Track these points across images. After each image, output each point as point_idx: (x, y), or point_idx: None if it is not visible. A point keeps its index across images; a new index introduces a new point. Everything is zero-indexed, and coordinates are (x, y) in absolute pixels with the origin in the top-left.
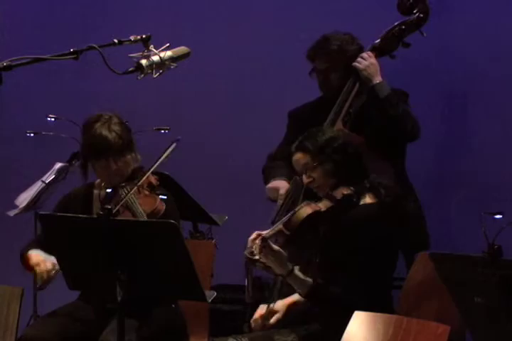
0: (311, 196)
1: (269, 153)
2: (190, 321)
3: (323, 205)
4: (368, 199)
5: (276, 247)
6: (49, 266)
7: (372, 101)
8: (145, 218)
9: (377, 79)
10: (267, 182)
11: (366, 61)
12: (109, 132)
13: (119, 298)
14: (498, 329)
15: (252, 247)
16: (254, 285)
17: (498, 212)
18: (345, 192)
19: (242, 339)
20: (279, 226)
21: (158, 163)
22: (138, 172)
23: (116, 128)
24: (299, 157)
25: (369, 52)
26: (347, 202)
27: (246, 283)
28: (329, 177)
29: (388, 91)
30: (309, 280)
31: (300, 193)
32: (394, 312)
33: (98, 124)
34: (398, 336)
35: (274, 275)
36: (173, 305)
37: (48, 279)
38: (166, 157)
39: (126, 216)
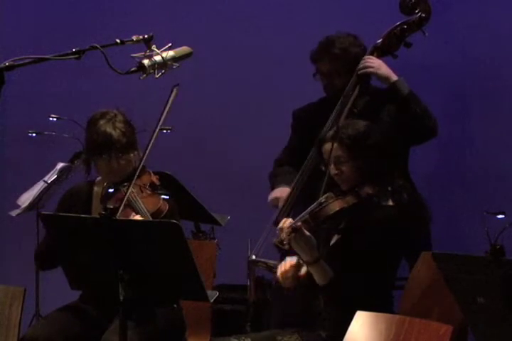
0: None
1: (276, 157)
2: (193, 321)
3: (349, 201)
4: (390, 202)
5: (307, 233)
6: None
7: (385, 94)
8: (149, 217)
9: (394, 76)
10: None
11: (374, 62)
12: (113, 129)
13: (121, 298)
14: (501, 329)
15: (281, 236)
16: (256, 285)
17: (501, 212)
18: (370, 192)
19: (245, 339)
20: (305, 216)
21: (164, 114)
22: (140, 171)
23: (120, 125)
24: (331, 147)
25: (369, 56)
26: (370, 201)
27: (248, 283)
28: (358, 173)
29: (409, 88)
30: (331, 271)
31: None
32: (393, 312)
33: (103, 121)
34: (400, 336)
35: (275, 276)
36: (176, 306)
37: None
38: (171, 106)
39: (129, 214)
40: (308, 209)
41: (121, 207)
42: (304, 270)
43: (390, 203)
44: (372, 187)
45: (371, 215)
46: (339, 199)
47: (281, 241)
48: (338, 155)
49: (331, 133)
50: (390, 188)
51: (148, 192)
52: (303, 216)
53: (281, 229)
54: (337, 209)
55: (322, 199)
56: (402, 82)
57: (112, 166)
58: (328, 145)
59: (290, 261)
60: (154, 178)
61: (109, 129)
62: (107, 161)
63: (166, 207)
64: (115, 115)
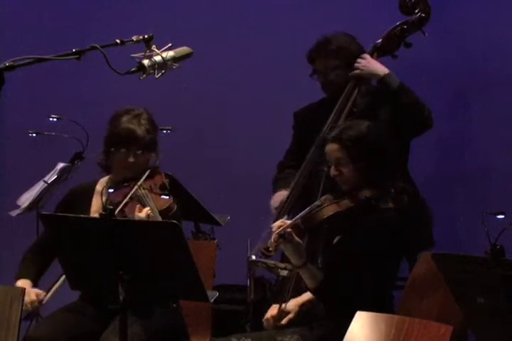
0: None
1: (279, 161)
2: (192, 321)
3: (344, 205)
4: (390, 204)
5: (297, 239)
6: (32, 296)
7: (385, 93)
8: (157, 213)
9: (384, 70)
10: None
11: (361, 62)
12: (138, 126)
13: (121, 298)
14: (501, 329)
15: (268, 243)
16: (256, 285)
17: (501, 212)
18: (368, 195)
19: (245, 339)
20: (297, 220)
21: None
22: (152, 172)
23: (145, 123)
24: (333, 148)
25: (364, 55)
26: (368, 204)
27: (248, 283)
28: (358, 175)
29: (399, 81)
30: (320, 274)
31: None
32: (394, 313)
33: (127, 117)
34: (400, 336)
35: (277, 277)
36: (175, 305)
37: (33, 310)
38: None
39: (135, 207)
40: (302, 212)
41: (124, 202)
42: (286, 319)
43: (390, 206)
44: (372, 190)
45: (369, 218)
46: (334, 204)
47: (267, 248)
48: (338, 157)
49: (333, 133)
50: (392, 190)
51: (158, 192)
52: (295, 220)
53: (272, 232)
54: (330, 213)
55: (318, 202)
56: (390, 75)
57: (129, 161)
58: (329, 147)
59: (272, 310)
60: (166, 181)
61: (132, 125)
62: (124, 155)
63: (174, 207)
64: (141, 113)
